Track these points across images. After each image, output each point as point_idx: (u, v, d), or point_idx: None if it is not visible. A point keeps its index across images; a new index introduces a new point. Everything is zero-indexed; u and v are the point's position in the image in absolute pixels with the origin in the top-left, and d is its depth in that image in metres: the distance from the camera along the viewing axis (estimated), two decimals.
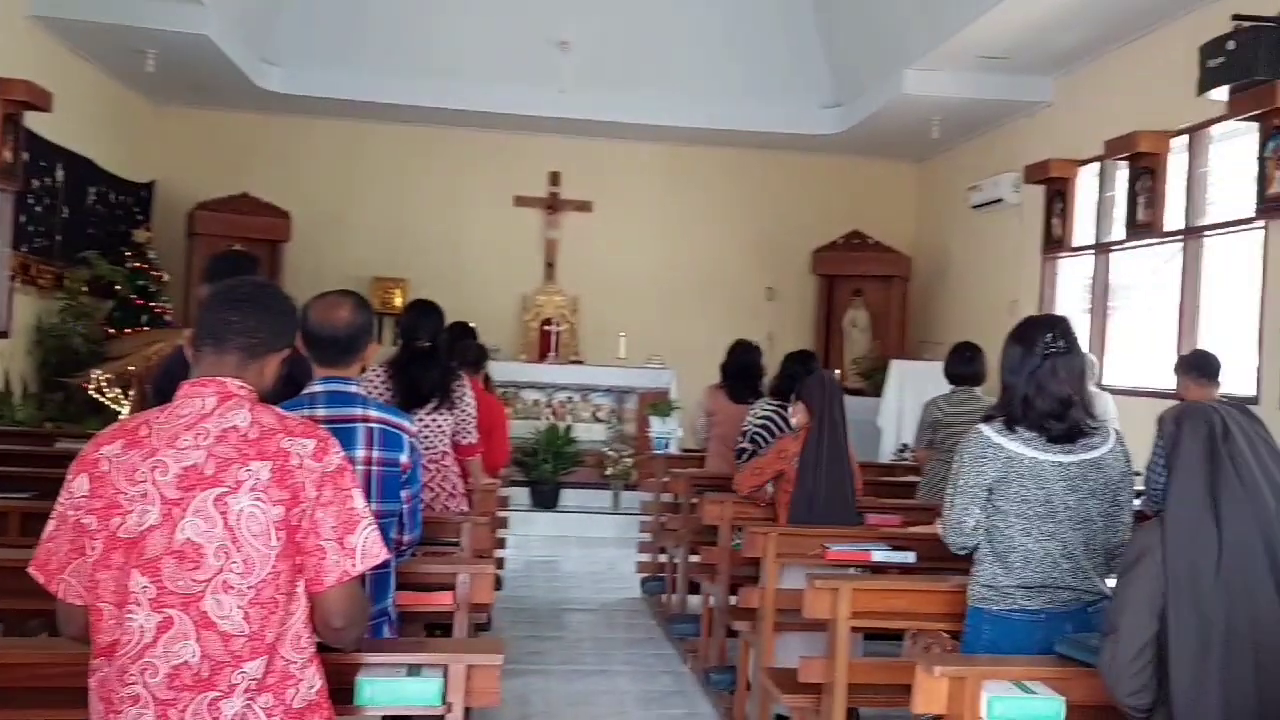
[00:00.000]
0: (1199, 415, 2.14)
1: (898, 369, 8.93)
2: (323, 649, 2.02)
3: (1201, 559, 2.02)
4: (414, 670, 2.31)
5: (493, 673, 2.37)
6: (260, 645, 1.84)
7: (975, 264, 10.00)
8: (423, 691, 2.26)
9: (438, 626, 3.92)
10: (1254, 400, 5.94)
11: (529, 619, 6.30)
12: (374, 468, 2.67)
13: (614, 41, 10.01)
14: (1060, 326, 2.90)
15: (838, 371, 10.38)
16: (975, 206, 9.62)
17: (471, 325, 6.28)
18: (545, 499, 9.20)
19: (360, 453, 2.64)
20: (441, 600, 3.20)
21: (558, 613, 6.53)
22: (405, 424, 2.78)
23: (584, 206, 11.12)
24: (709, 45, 10.17)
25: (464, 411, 4.50)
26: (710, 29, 10.14)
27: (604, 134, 10.81)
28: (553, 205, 11.12)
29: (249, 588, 1.84)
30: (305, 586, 1.92)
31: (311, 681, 1.94)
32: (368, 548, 1.94)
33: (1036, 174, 8.45)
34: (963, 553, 2.91)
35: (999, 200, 9.18)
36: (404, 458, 2.72)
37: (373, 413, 2.71)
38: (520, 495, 8.89)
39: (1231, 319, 6.57)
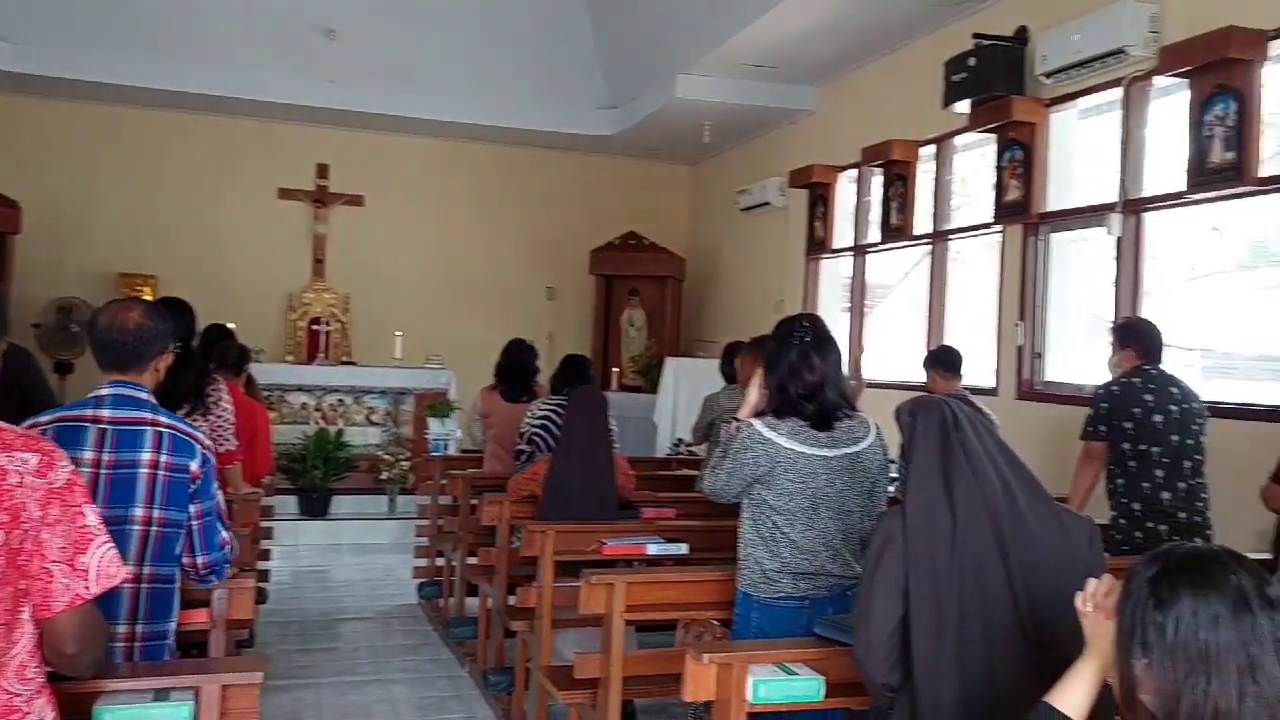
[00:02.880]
0: (932, 406, 2.28)
1: (672, 366, 9.14)
2: (57, 677, 1.85)
3: (937, 541, 2.14)
4: (161, 694, 2.15)
5: (251, 691, 2.23)
6: None
7: (745, 264, 10.37)
8: (171, 717, 2.10)
9: (194, 646, 3.69)
10: (993, 392, 6.43)
11: (298, 631, 6.04)
12: (160, 472, 2.56)
13: (385, 33, 9.73)
14: (811, 320, 3.13)
15: (616, 370, 10.58)
16: (744, 209, 9.97)
17: (230, 326, 6.00)
18: (315, 507, 8.84)
19: (147, 456, 2.54)
20: (197, 618, 3.00)
21: (330, 623, 6.29)
22: (199, 435, 2.68)
23: (355, 201, 10.73)
24: (483, 41, 10.05)
25: (220, 417, 4.32)
26: (484, 25, 10.02)
27: (375, 127, 10.48)
28: (321, 199, 10.67)
29: None
30: (32, 612, 1.74)
31: (41, 714, 1.76)
32: (103, 568, 1.79)
33: (800, 179, 8.85)
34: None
35: (766, 204, 9.55)
36: (194, 465, 2.61)
37: (163, 418, 2.61)
38: (288, 503, 8.52)
39: (973, 317, 7.11)
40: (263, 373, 7.81)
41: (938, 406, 2.26)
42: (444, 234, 11.08)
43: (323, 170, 10.70)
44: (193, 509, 2.62)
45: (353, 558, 8.19)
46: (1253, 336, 5.75)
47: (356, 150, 10.71)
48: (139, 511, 2.54)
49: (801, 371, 2.98)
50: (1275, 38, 4.77)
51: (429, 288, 10.93)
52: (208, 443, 2.71)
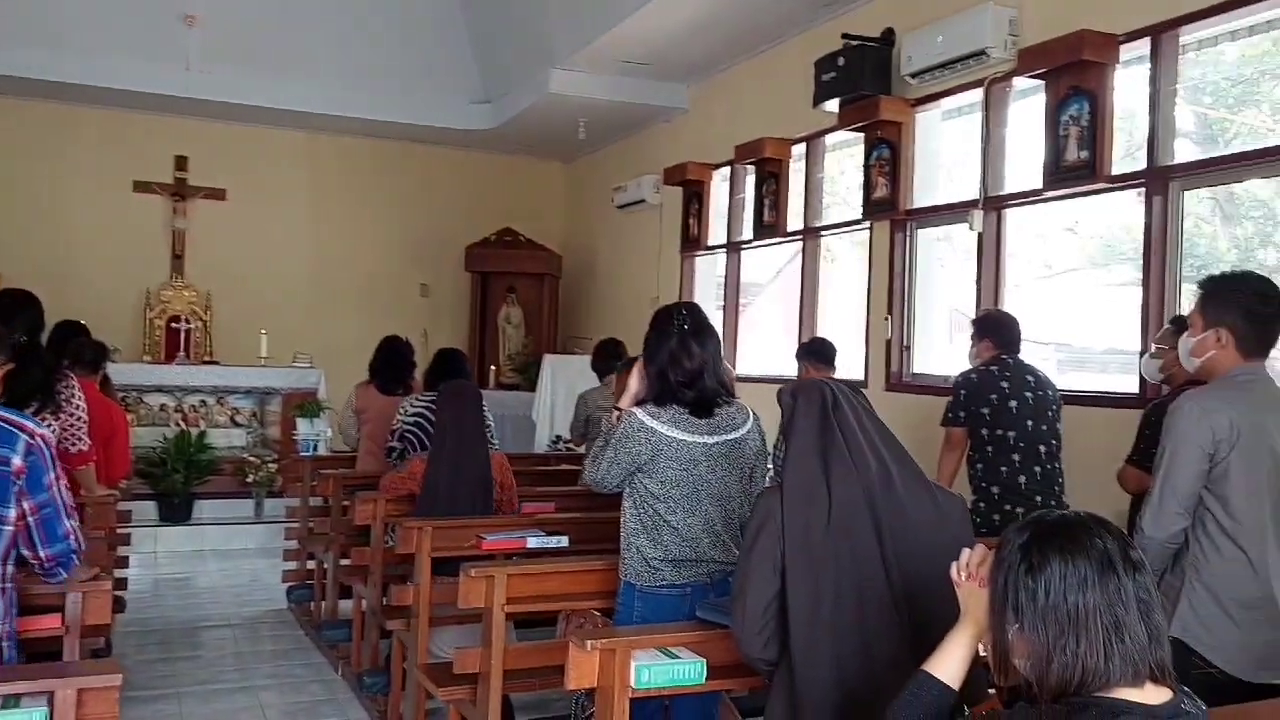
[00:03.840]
0: (812, 388, 2.32)
1: (550, 364, 9.09)
2: None
3: (813, 518, 2.17)
4: (11, 701, 2.01)
5: (109, 695, 2.12)
6: None
7: (621, 262, 10.39)
8: None
9: (45, 655, 3.49)
10: (862, 382, 6.60)
11: (159, 641, 5.78)
12: None
13: (247, 18, 9.35)
14: (689, 308, 3.15)
15: (493, 368, 10.46)
16: (620, 207, 9.99)
17: (82, 323, 5.70)
18: (176, 512, 8.46)
19: None
20: (47, 623, 2.83)
21: (193, 631, 6.02)
22: (29, 424, 2.55)
23: (216, 194, 10.33)
24: (352, 30, 9.78)
25: (71, 415, 4.10)
26: (353, 12, 9.74)
27: (238, 118, 10.11)
28: (180, 192, 10.24)
29: None
30: None
31: None
32: None
33: (674, 176, 8.91)
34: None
35: (641, 201, 9.59)
36: (16, 460, 2.48)
37: None
38: (147, 509, 8.12)
39: (844, 312, 7.28)
40: (119, 373, 7.45)
41: (818, 388, 2.30)
42: (312, 229, 10.77)
43: (181, 162, 10.28)
44: (26, 505, 2.52)
45: (217, 564, 7.87)
46: (1104, 331, 6.06)
47: (217, 142, 10.32)
48: None
49: (681, 359, 2.99)
50: (1126, 41, 5.02)
51: (297, 285, 10.61)
52: (42, 432, 2.58)
